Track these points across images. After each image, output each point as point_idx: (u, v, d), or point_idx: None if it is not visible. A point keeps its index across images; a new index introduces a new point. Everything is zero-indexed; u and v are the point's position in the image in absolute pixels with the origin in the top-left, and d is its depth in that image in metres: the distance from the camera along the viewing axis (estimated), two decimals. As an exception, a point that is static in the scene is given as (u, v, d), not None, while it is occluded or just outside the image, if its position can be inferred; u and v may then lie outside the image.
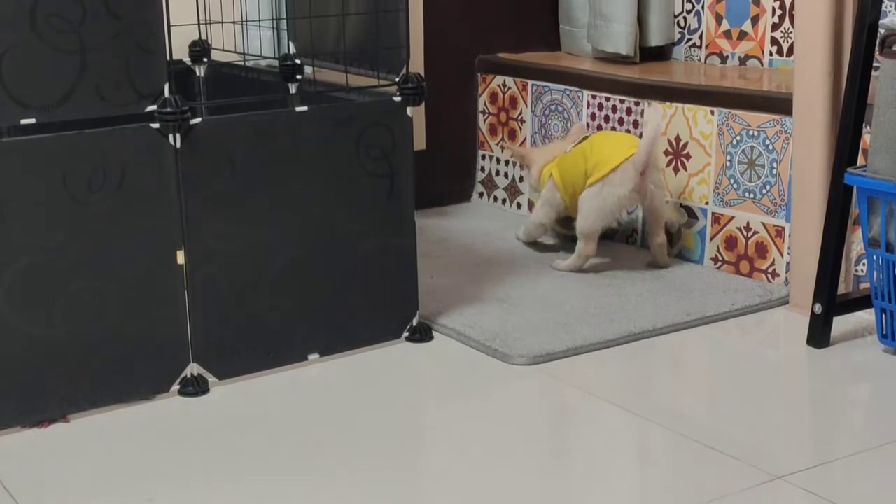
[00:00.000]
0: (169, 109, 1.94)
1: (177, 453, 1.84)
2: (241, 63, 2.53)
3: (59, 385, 1.93)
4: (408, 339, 2.29)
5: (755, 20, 2.98)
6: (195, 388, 2.04)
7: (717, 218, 2.70)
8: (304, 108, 2.11)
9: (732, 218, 2.66)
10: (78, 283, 1.91)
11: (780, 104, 2.53)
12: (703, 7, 3.12)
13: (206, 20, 2.43)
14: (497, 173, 3.32)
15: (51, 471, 1.79)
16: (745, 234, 2.63)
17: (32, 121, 1.86)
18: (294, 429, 1.93)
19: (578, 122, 3.01)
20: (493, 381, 2.13)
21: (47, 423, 1.93)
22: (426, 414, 2.06)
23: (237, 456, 1.83)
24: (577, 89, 3.05)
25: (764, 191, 2.59)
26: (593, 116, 2.98)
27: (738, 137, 2.63)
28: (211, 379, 2.07)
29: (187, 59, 2.64)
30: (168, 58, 1.96)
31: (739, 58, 3.03)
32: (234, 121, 2.04)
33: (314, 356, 2.18)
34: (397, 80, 2.21)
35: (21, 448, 1.86)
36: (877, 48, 2.16)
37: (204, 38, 2.59)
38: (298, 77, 2.47)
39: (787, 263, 2.53)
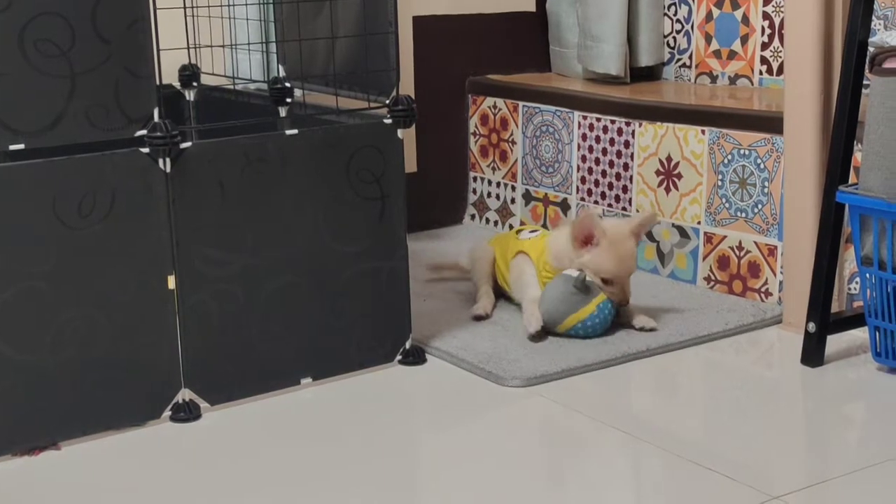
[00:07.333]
0: (159, 134, 1.94)
1: (169, 480, 1.83)
2: (231, 87, 2.53)
3: (50, 412, 1.91)
4: (401, 362, 2.28)
5: (745, 39, 2.99)
6: (187, 413, 2.02)
7: (709, 237, 2.69)
8: (294, 131, 2.10)
9: (725, 237, 2.66)
10: (68, 309, 1.90)
11: (770, 123, 2.53)
12: (692, 27, 3.12)
13: (195, 44, 2.43)
14: (489, 195, 3.32)
15: (42, 499, 1.78)
16: (737, 253, 2.63)
17: (21, 146, 1.85)
18: (287, 453, 1.91)
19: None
20: (486, 404, 2.12)
21: (38, 450, 1.92)
22: (420, 437, 2.04)
23: (230, 482, 1.82)
24: (567, 110, 3.05)
25: (756, 210, 2.58)
26: (584, 137, 2.99)
27: (730, 157, 2.63)
28: (203, 404, 2.06)
29: (177, 84, 2.64)
30: (158, 82, 1.95)
31: (729, 77, 3.03)
32: (224, 145, 2.03)
33: (307, 380, 2.17)
34: (387, 102, 2.21)
35: (12, 476, 1.85)
36: (866, 66, 2.16)
37: (193, 62, 2.59)
38: (288, 100, 2.47)
39: (780, 282, 2.52)
